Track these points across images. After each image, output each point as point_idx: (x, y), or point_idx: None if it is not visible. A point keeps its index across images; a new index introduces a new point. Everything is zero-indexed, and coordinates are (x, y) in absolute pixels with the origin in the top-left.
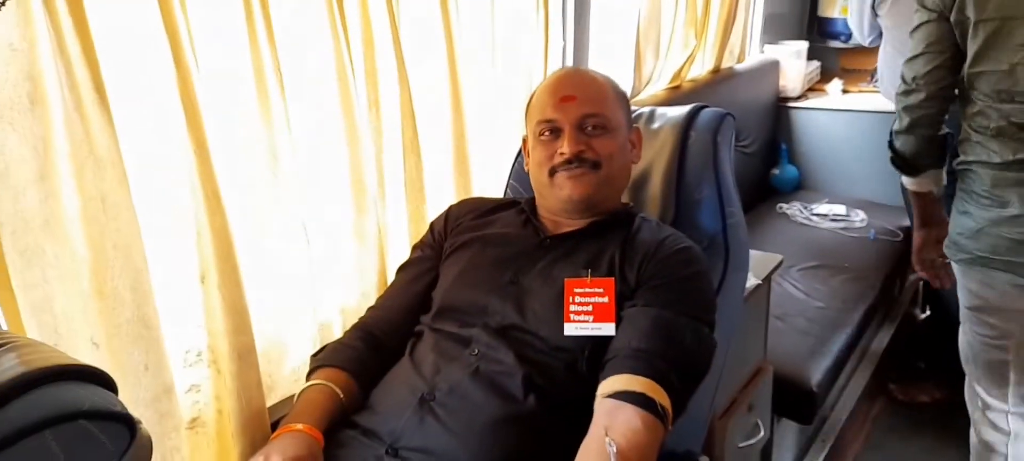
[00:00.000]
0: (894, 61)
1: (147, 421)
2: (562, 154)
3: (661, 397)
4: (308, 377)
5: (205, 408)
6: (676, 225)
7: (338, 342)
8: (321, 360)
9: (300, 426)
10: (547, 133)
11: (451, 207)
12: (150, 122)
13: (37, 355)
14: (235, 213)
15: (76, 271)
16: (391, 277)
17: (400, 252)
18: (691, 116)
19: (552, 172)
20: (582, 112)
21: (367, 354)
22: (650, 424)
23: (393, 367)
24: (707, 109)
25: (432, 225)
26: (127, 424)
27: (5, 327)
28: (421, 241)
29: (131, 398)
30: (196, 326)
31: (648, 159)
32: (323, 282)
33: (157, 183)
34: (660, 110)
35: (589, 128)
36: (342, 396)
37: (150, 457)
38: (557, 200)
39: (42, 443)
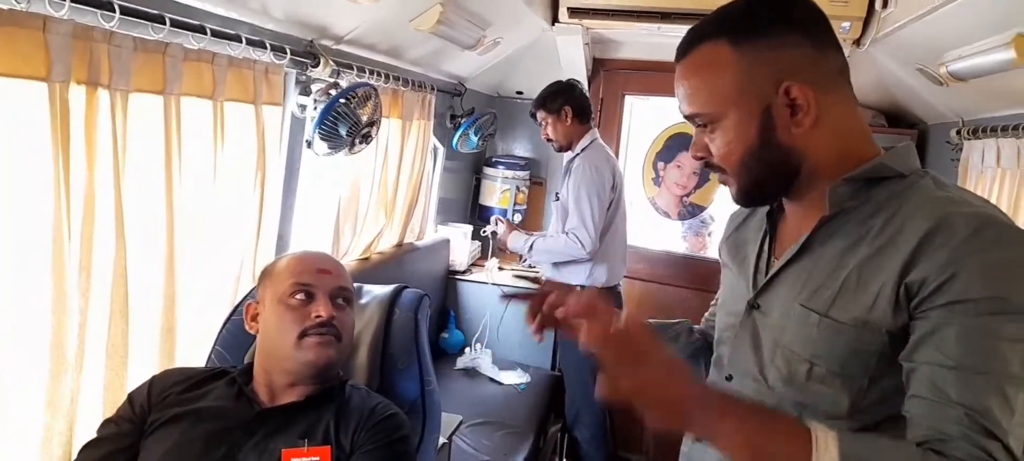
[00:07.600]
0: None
1: None
2: (318, 316)
3: None
4: None
5: None
6: (381, 391)
7: None
8: None
9: None
10: (301, 295)
11: (155, 377)
12: None
13: None
14: None
15: None
16: (75, 453)
17: (90, 424)
18: (395, 295)
19: (302, 335)
20: (337, 284)
21: None
22: None
23: None
24: (408, 290)
25: (131, 397)
26: None
27: None
28: (116, 415)
29: None
30: None
31: (357, 330)
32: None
33: None
34: (367, 287)
35: (339, 300)
36: None
37: None
38: (301, 363)
39: None
